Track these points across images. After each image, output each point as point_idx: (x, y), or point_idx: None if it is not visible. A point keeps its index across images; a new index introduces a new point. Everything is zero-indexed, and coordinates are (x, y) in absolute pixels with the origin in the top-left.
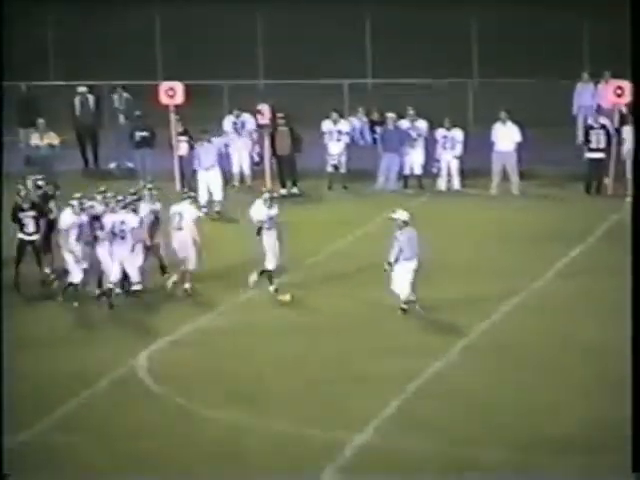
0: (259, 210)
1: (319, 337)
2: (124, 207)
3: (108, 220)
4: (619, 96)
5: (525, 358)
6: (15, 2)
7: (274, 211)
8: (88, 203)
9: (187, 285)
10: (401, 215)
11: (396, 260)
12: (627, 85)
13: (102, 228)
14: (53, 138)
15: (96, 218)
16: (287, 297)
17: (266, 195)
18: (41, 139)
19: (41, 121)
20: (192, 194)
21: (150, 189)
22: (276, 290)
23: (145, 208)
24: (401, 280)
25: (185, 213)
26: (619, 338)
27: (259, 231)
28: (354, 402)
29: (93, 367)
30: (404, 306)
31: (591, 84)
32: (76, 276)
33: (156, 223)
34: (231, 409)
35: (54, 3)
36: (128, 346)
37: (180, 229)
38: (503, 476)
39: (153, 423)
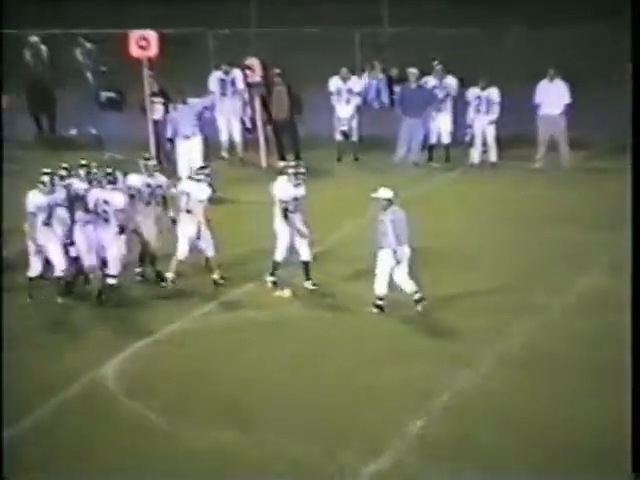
0: (284, 188)
1: (324, 341)
2: (111, 182)
3: (91, 198)
4: None
5: (565, 368)
6: None
7: (301, 191)
8: (65, 181)
9: (215, 275)
10: (384, 193)
11: (380, 247)
12: None
13: (87, 209)
14: None
15: (77, 197)
16: (286, 293)
17: (291, 170)
18: None
19: None
20: (204, 170)
21: (147, 159)
22: (274, 283)
23: (137, 181)
24: (384, 271)
25: (193, 192)
26: None
27: (285, 213)
28: (366, 419)
29: (64, 372)
30: (416, 297)
31: None
32: (36, 269)
33: (160, 202)
34: (218, 425)
35: None
36: (103, 349)
37: (189, 212)
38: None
39: (124, 436)
